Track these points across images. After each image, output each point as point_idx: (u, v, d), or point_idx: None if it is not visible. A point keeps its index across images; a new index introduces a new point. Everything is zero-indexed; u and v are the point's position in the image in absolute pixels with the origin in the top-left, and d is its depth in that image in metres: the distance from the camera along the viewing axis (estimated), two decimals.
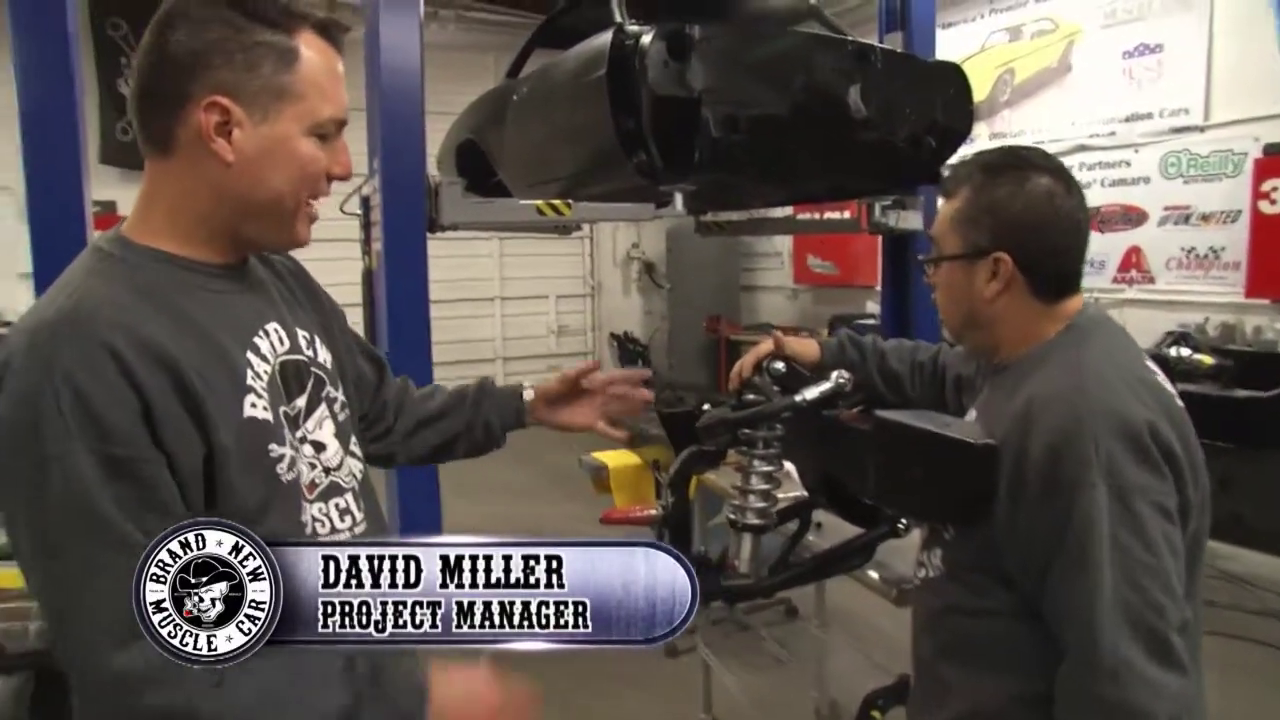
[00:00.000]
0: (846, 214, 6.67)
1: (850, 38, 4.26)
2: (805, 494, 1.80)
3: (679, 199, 4.07)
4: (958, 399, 1.60)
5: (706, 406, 1.65)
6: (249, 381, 1.10)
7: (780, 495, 1.63)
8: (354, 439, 1.32)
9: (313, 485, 1.19)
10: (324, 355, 1.28)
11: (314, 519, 1.18)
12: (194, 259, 1.12)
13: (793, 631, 3.55)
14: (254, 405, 1.10)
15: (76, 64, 3.54)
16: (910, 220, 5.09)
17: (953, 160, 4.51)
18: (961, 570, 1.33)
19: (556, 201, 4.13)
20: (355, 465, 1.30)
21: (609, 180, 4.13)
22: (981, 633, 1.31)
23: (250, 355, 1.12)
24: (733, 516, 1.60)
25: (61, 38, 3.47)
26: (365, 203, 4.30)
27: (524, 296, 10.01)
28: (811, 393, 1.53)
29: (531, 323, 10.12)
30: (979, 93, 4.48)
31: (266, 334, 1.17)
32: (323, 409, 1.25)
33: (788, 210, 7.29)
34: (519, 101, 4.70)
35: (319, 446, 1.22)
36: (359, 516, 1.26)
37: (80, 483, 0.94)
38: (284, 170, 1.11)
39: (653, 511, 1.61)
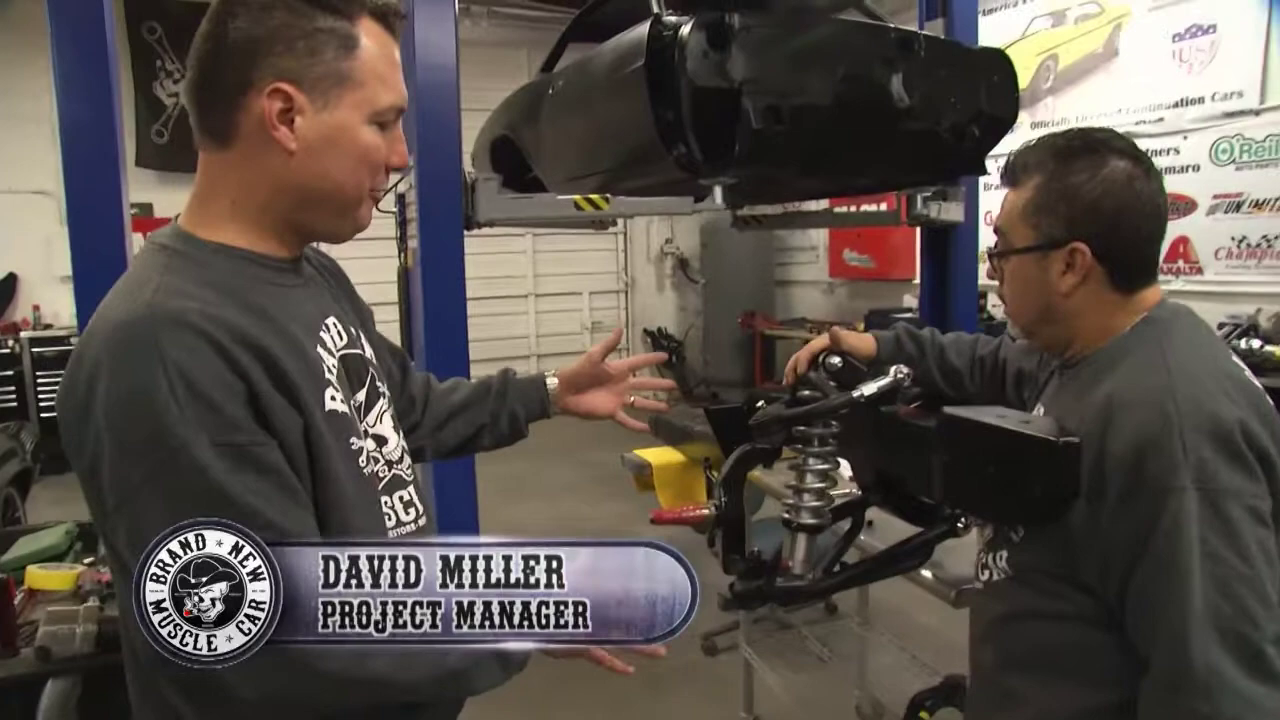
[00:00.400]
0: (883, 206, 6.60)
1: (892, 25, 4.19)
2: (859, 492, 1.74)
3: (718, 192, 4.02)
4: (1018, 394, 1.53)
5: (761, 403, 1.59)
6: (326, 375, 1.10)
7: (834, 493, 1.58)
8: (402, 433, 1.31)
9: (379, 478, 1.19)
10: (369, 350, 1.27)
11: (383, 513, 1.19)
12: (258, 252, 1.11)
13: (834, 630, 3.49)
14: (333, 398, 1.10)
15: (115, 72, 3.57)
16: (952, 212, 5.01)
17: (996, 150, 4.43)
18: (1032, 574, 1.27)
19: (594, 196, 4.09)
20: (410, 459, 1.30)
21: (648, 174, 4.09)
22: (1053, 639, 1.24)
23: (319, 350, 1.12)
24: (787, 516, 1.55)
25: (100, 46, 3.50)
26: (401, 200, 4.30)
27: (558, 293, 9.99)
28: (870, 388, 1.47)
29: (565, 319, 10.09)
30: (1021, 80, 4.38)
31: (328, 328, 1.16)
32: (381, 402, 1.24)
33: (823, 204, 7.24)
34: (555, 96, 4.67)
35: (381, 440, 1.21)
36: (420, 509, 1.26)
37: (211, 472, 0.93)
38: (346, 159, 1.09)
39: (705, 511, 1.56)
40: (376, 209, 1.20)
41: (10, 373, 7.25)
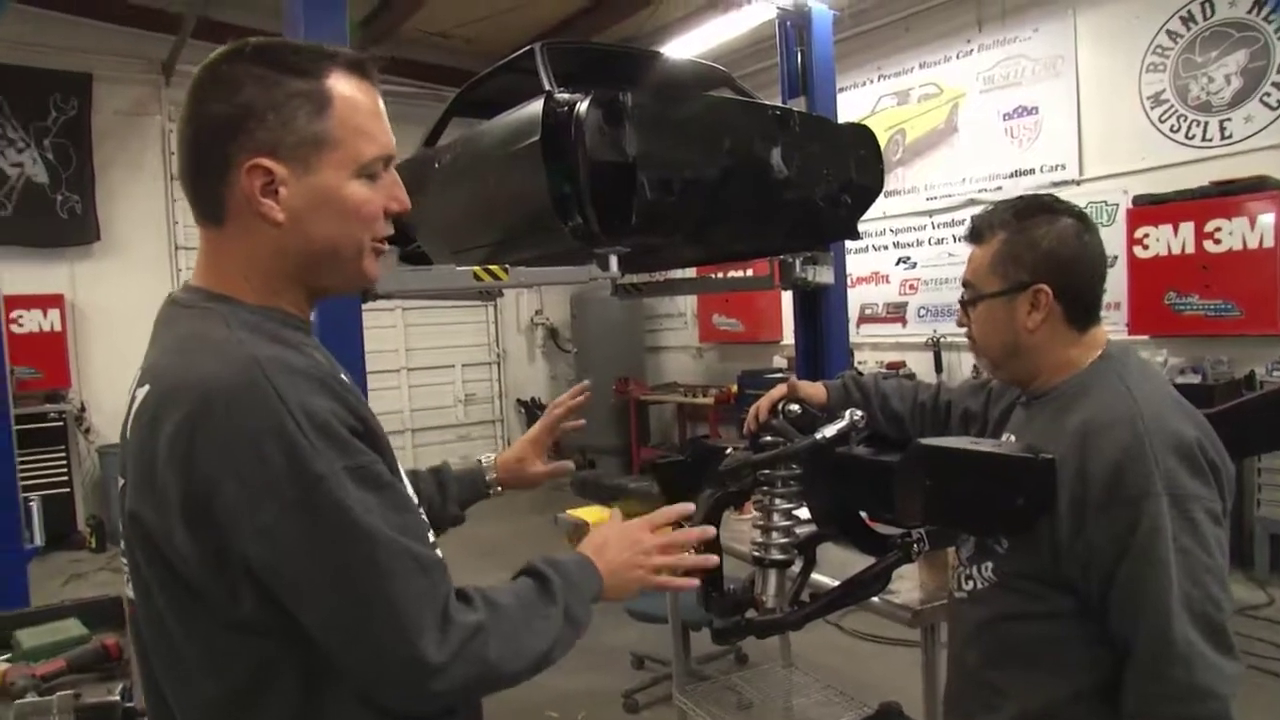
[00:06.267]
0: (750, 271, 6.91)
1: (769, 103, 4.49)
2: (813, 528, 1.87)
3: (613, 261, 4.16)
4: (964, 430, 1.73)
5: (730, 450, 1.71)
6: None
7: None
8: None
9: None
10: None
11: None
12: (284, 312, 1.13)
13: (753, 675, 3.60)
14: None
15: None
16: (824, 274, 5.32)
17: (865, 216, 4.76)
18: (1018, 579, 1.44)
19: (494, 268, 4.16)
20: None
21: (541, 245, 4.19)
22: (1035, 636, 1.42)
23: None
24: (757, 554, 1.66)
25: None
26: None
27: (430, 366, 9.91)
28: (830, 431, 1.61)
29: (438, 393, 9.99)
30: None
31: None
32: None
33: (692, 271, 7.51)
34: (441, 169, 4.72)
35: None
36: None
37: (349, 498, 0.97)
38: (336, 219, 1.10)
39: None
40: None
41: None
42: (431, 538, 1.27)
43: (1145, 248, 5.68)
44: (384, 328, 9.35)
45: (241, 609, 0.99)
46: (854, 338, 7.33)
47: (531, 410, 10.37)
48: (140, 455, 1.01)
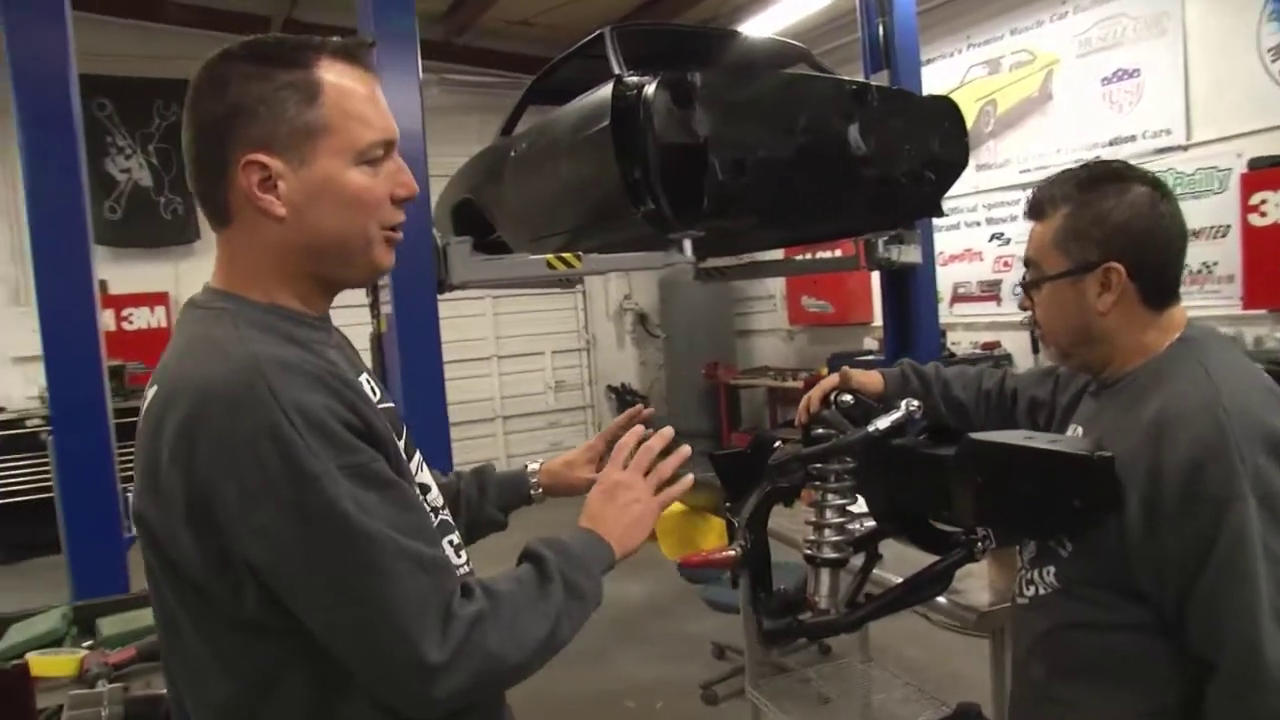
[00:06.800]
0: (839, 252, 6.75)
1: (846, 78, 4.34)
2: (872, 524, 1.78)
3: (688, 246, 4.09)
4: (1031, 421, 1.60)
5: (779, 444, 1.64)
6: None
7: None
8: None
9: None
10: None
11: None
12: (298, 310, 1.11)
13: (834, 670, 3.51)
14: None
15: (81, 153, 3.59)
16: (910, 254, 5.14)
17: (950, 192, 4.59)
18: (1082, 586, 1.32)
19: (567, 255, 4.14)
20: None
21: (615, 231, 4.16)
22: (1107, 649, 1.29)
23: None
24: (809, 552, 1.58)
25: (67, 124, 3.52)
26: None
27: (520, 354, 9.99)
28: (883, 423, 1.52)
29: (529, 379, 10.08)
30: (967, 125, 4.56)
31: (364, 383, 1.16)
32: (417, 454, 1.25)
33: (779, 252, 7.39)
34: (517, 158, 4.74)
35: (424, 489, 1.22)
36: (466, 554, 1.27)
37: (344, 497, 0.94)
38: (339, 209, 1.07)
39: (731, 553, 1.59)
40: None
41: None
42: (456, 540, 1.25)
43: (1262, 214, 5.33)
44: (474, 316, 9.49)
45: (246, 609, 0.98)
46: (946, 318, 7.09)
47: (622, 396, 10.39)
48: (146, 456, 1.01)
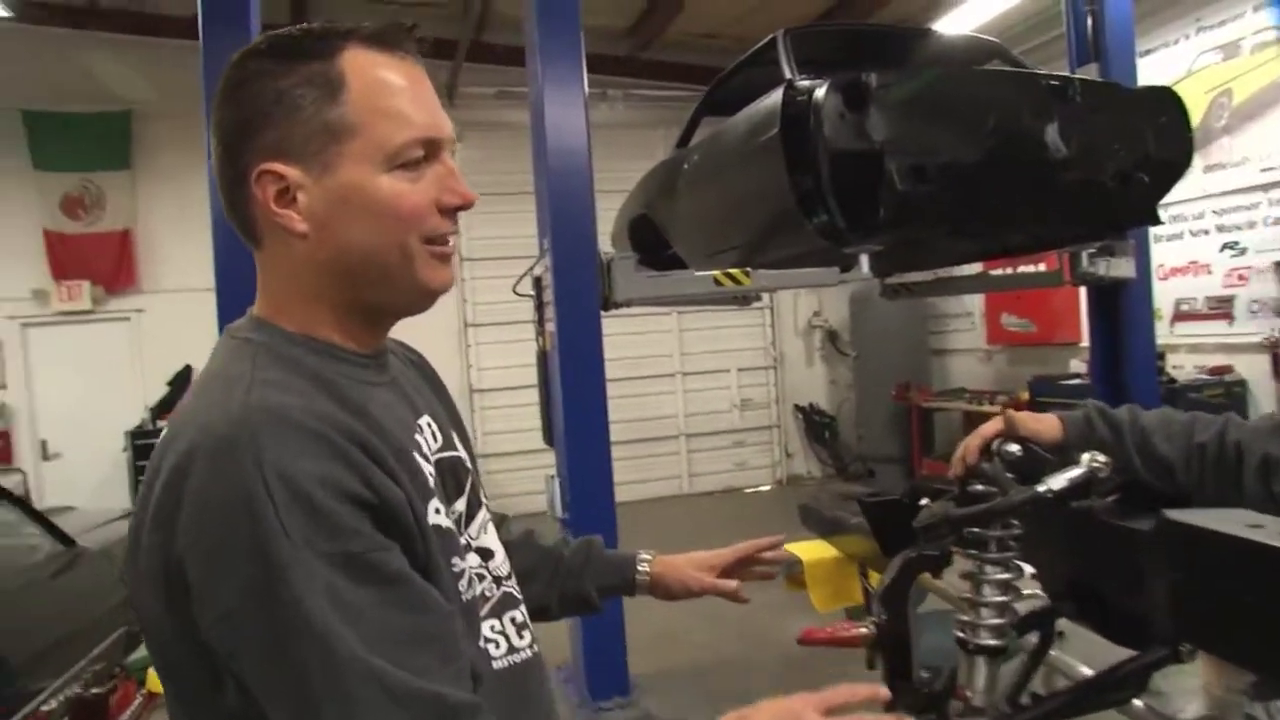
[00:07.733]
0: (1042, 266, 6.19)
1: (1044, 72, 3.92)
2: (1045, 600, 1.47)
3: (864, 261, 3.82)
4: (1265, 488, 1.23)
5: (925, 501, 1.37)
6: (430, 484, 0.94)
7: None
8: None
9: (484, 599, 1.01)
10: (464, 452, 1.10)
11: (487, 639, 1.01)
12: (338, 344, 0.96)
13: None
14: (436, 511, 0.93)
15: None
16: (1122, 267, 4.62)
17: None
18: None
19: (734, 271, 3.95)
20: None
21: (789, 245, 3.94)
22: None
23: (417, 455, 0.95)
24: (962, 635, 1.30)
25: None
26: (538, 283, 4.28)
27: (705, 371, 9.82)
28: (1058, 481, 1.22)
29: (714, 397, 9.89)
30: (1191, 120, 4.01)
31: (422, 429, 1.00)
32: (482, 512, 1.08)
33: (977, 267, 6.87)
34: (689, 171, 4.59)
35: (486, 554, 1.05)
36: (533, 634, 1.07)
37: (315, 595, 0.76)
38: (367, 220, 0.91)
39: (862, 630, 1.33)
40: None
41: None
42: (519, 617, 1.06)
43: None
44: (659, 332, 9.42)
45: (228, 701, 0.82)
46: (1166, 338, 6.37)
47: (809, 416, 10.05)
48: (136, 508, 0.87)
